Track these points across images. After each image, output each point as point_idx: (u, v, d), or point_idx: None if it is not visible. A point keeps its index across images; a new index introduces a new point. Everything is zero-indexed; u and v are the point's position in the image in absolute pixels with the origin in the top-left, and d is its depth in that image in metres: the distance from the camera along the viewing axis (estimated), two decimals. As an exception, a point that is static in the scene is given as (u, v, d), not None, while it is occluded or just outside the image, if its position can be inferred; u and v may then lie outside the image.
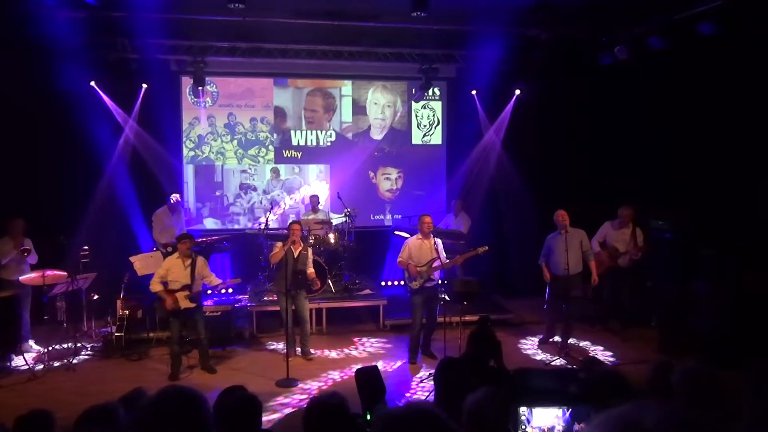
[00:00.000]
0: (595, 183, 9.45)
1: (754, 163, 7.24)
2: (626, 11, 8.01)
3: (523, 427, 2.74)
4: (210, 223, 10.55)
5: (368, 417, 4.09)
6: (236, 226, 10.57)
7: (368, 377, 4.68)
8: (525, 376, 3.87)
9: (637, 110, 9.10)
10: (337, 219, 10.00)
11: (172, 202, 9.02)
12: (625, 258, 8.12)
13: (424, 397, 6.16)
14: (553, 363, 7.34)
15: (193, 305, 6.90)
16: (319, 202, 10.01)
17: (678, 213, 8.25)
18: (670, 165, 8.48)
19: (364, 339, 8.38)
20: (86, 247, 8.25)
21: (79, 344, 7.55)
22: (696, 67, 7.78)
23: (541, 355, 7.73)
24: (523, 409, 2.74)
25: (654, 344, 7.66)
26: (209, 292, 8.18)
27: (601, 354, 7.66)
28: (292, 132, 10.72)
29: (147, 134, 9.66)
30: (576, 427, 2.73)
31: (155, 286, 6.88)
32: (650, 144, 8.90)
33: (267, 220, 9.38)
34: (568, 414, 2.76)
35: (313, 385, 6.67)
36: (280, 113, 10.65)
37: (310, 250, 7.68)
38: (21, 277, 7.29)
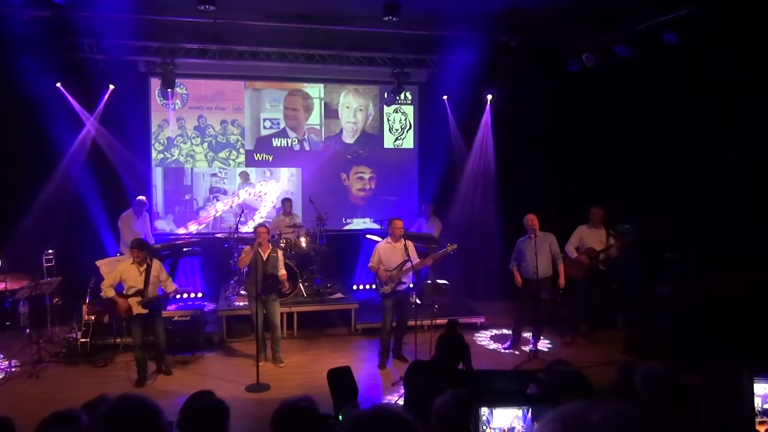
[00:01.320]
0: (566, 187, 9.59)
1: (719, 168, 7.42)
2: (593, 19, 8.17)
3: (484, 427, 2.76)
4: (179, 227, 10.40)
5: (340, 417, 4.09)
6: (206, 230, 10.45)
7: (340, 378, 4.67)
8: (488, 378, 3.91)
9: (606, 116, 9.26)
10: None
11: (137, 204, 8.89)
12: (603, 261, 8.19)
13: (394, 401, 6.17)
14: (521, 366, 7.41)
15: (145, 311, 6.73)
16: (291, 206, 9.96)
17: (645, 217, 8.43)
18: (638, 170, 8.64)
19: (336, 343, 8.35)
20: (50, 251, 8.07)
21: (42, 351, 7.36)
22: (662, 74, 7.97)
23: (510, 358, 7.80)
24: (483, 410, 2.77)
25: (620, 346, 7.80)
26: (178, 296, 8.09)
27: (569, 356, 7.76)
28: (264, 134, 10.65)
29: (114, 136, 9.47)
30: (536, 426, 2.76)
31: (108, 291, 6.70)
32: (619, 149, 9.05)
33: (237, 224, 9.28)
34: (528, 415, 2.80)
35: (284, 390, 6.62)
36: (251, 116, 10.58)
37: (280, 252, 7.63)
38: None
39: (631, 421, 1.04)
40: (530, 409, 2.76)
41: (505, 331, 8.72)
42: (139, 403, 1.68)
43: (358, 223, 11.13)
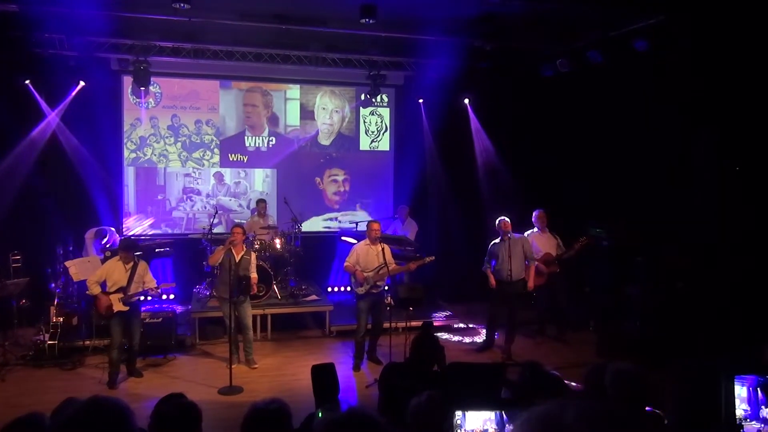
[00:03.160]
0: (540, 190, 9.69)
1: (686, 173, 7.59)
2: (566, 26, 8.29)
3: (458, 430, 2.79)
4: (152, 228, 10.25)
5: (320, 414, 4.08)
6: (178, 231, 10.31)
7: (323, 374, 4.66)
8: (458, 370, 3.93)
9: (578, 120, 9.40)
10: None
11: (98, 233, 8.78)
12: (556, 264, 8.28)
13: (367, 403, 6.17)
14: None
15: (125, 309, 6.71)
16: (266, 207, 9.88)
17: (615, 221, 8.58)
18: (609, 173, 8.78)
19: (310, 345, 8.31)
20: (16, 252, 7.88)
21: (8, 353, 7.18)
22: (632, 80, 8.12)
23: (483, 359, 7.85)
24: (457, 413, 2.79)
25: (592, 348, 7.92)
26: (149, 298, 7.97)
27: (540, 358, 7.85)
28: (238, 134, 10.57)
29: (84, 134, 9.29)
30: (508, 428, 2.80)
31: (95, 288, 6.67)
32: (591, 153, 9.19)
33: (211, 225, 9.19)
34: (500, 417, 2.83)
35: (257, 393, 6.56)
36: (225, 116, 10.48)
37: (253, 255, 7.58)
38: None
39: (605, 419, 1.06)
40: (502, 412, 2.79)
41: (478, 332, 8.78)
42: (110, 406, 1.65)
43: (333, 225, 11.11)
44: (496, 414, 2.82)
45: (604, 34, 8.04)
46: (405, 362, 4.51)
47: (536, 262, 7.98)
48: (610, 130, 8.66)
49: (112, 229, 8.96)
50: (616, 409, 1.11)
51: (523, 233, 8.18)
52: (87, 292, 6.83)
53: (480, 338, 8.51)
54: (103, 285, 6.74)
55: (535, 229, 8.42)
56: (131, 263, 6.82)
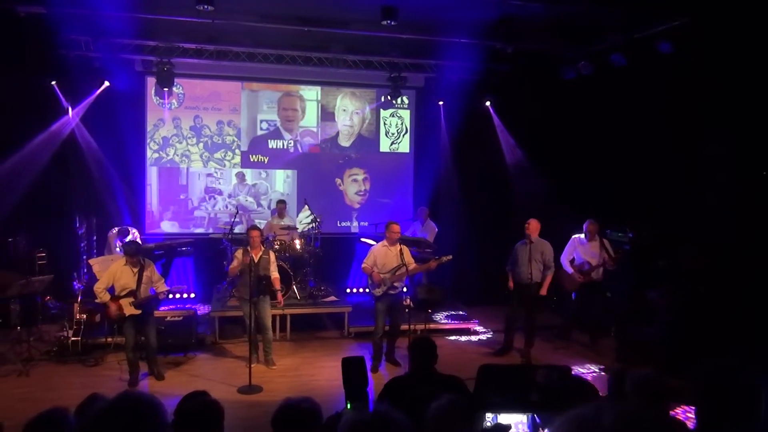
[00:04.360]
0: (561, 193, 9.60)
1: (709, 176, 7.47)
2: (588, 28, 8.21)
3: None
4: (174, 227, 10.37)
5: (348, 407, 4.10)
6: (200, 231, 10.43)
7: (353, 367, 4.62)
8: (489, 372, 3.87)
9: (601, 122, 9.29)
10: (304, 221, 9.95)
11: (120, 233, 8.90)
12: (598, 271, 8.15)
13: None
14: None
15: (137, 312, 6.67)
16: (285, 208, 9.94)
17: (637, 225, 8.47)
18: (631, 176, 8.67)
19: (328, 346, 8.34)
20: (42, 249, 8.03)
21: (33, 349, 7.32)
22: (652, 82, 8.01)
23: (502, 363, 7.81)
24: (488, 415, 2.77)
25: (612, 353, 7.83)
26: (170, 296, 8.05)
27: (560, 363, 7.79)
28: (260, 135, 10.65)
29: (108, 135, 9.44)
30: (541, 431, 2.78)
31: (103, 296, 6.62)
32: (612, 156, 9.08)
33: (232, 225, 9.27)
34: (532, 419, 2.81)
35: (276, 393, 6.60)
36: (247, 117, 10.58)
37: (272, 254, 7.61)
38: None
39: (642, 422, 1.06)
40: (534, 416, 2.77)
41: (496, 336, 8.72)
42: (140, 401, 1.67)
43: (353, 227, 11.14)
44: (528, 416, 2.80)
45: (627, 37, 7.95)
46: (408, 373, 4.44)
47: (552, 271, 7.87)
48: (631, 133, 8.55)
49: (134, 230, 9.06)
50: (653, 413, 1.10)
51: (571, 237, 8.19)
52: (96, 300, 6.78)
53: (497, 341, 8.45)
54: (111, 289, 6.70)
55: (582, 236, 8.32)
56: (138, 266, 6.75)
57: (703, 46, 7.02)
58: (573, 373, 3.57)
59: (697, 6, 6.81)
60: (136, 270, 6.73)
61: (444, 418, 2.78)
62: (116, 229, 9.00)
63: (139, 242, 7.77)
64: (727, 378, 2.25)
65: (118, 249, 8.64)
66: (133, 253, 6.76)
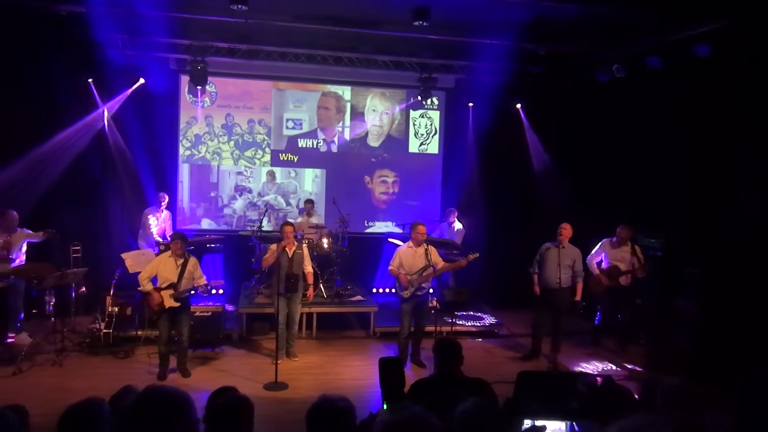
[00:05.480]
0: (589, 198, 9.47)
1: (746, 182, 7.28)
2: (623, 30, 8.08)
3: None
4: (204, 224, 10.54)
5: (385, 407, 4.10)
6: (230, 228, 10.56)
7: (390, 368, 4.62)
8: (528, 378, 3.82)
9: (636, 127, 9.13)
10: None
11: (157, 200, 9.12)
12: (627, 277, 8.03)
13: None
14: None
15: (177, 305, 6.79)
16: (314, 207, 10.01)
17: (669, 231, 8.30)
18: (666, 182, 8.50)
19: (353, 345, 8.36)
20: (77, 243, 8.22)
21: (66, 339, 7.50)
22: (691, 86, 7.83)
23: (529, 369, 7.73)
24: (527, 421, 2.74)
25: (642, 361, 7.69)
26: (213, 291, 8.17)
27: (592, 370, 7.68)
28: (292, 135, 10.74)
29: (142, 132, 9.63)
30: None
31: (147, 285, 6.77)
32: (647, 162, 8.92)
33: (261, 223, 9.38)
34: (571, 428, 2.77)
35: (301, 390, 6.64)
36: (277, 116, 10.68)
37: (305, 248, 7.66)
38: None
39: None
40: (573, 424, 2.73)
41: (523, 340, 8.63)
42: (172, 393, 1.70)
43: (380, 227, 11.15)
44: (567, 424, 2.76)
45: (663, 39, 7.79)
46: (433, 375, 4.41)
47: (582, 277, 7.76)
48: (664, 138, 8.39)
49: (164, 194, 9.33)
50: (707, 424, 1.08)
51: (602, 240, 8.11)
52: (138, 288, 6.93)
53: (525, 346, 8.36)
54: (153, 281, 6.86)
55: (613, 239, 8.20)
56: (182, 259, 6.89)
57: (742, 50, 6.85)
58: (615, 381, 3.50)
59: (737, 8, 6.65)
60: (179, 262, 6.84)
61: (470, 421, 2.76)
62: (150, 208, 9.25)
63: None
64: (766, 387, 2.19)
65: (154, 228, 8.84)
66: (181, 238, 6.90)
